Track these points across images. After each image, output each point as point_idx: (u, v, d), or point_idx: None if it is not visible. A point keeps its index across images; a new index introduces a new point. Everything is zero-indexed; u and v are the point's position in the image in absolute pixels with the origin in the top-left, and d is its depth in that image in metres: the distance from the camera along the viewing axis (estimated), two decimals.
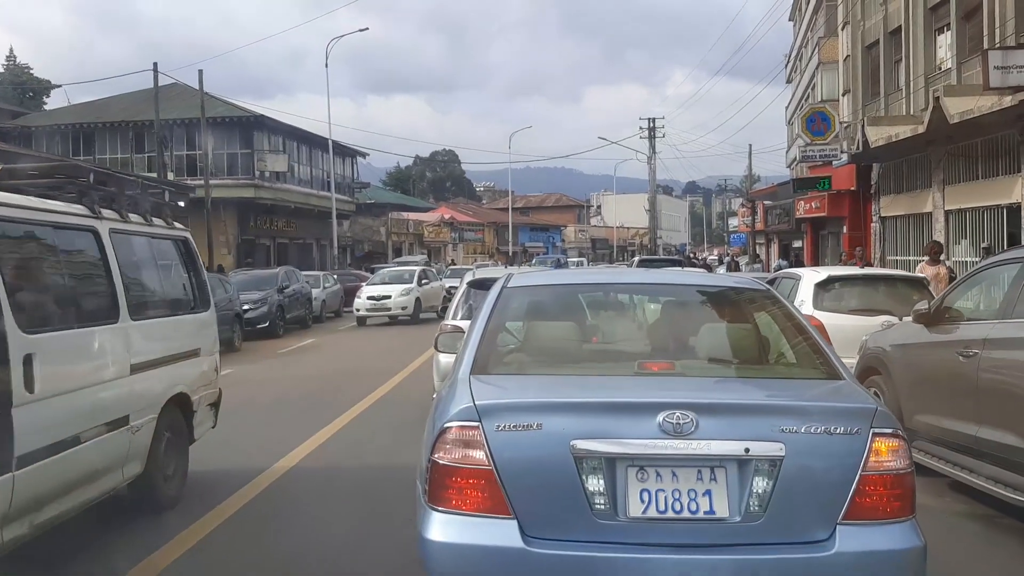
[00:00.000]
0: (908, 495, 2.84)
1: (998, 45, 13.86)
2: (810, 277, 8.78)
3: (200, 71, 26.81)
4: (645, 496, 2.75)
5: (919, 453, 5.41)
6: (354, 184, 42.64)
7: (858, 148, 19.50)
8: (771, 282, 7.84)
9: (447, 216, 60.85)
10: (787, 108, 41.34)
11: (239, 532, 5.12)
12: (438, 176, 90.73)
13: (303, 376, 12.73)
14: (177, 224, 6.21)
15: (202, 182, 26.80)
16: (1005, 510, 4.99)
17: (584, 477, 2.75)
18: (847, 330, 7.60)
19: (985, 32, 15.25)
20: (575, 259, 58.40)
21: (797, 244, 34.65)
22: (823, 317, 7.89)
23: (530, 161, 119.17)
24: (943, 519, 5.02)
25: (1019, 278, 4.99)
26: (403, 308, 22.23)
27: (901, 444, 2.85)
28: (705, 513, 2.74)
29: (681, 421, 2.74)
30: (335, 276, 27.47)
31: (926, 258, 11.46)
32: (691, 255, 55.33)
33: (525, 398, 2.98)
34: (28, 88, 44.30)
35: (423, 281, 23.82)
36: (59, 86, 57.38)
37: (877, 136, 17.98)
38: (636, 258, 40.76)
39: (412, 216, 54.86)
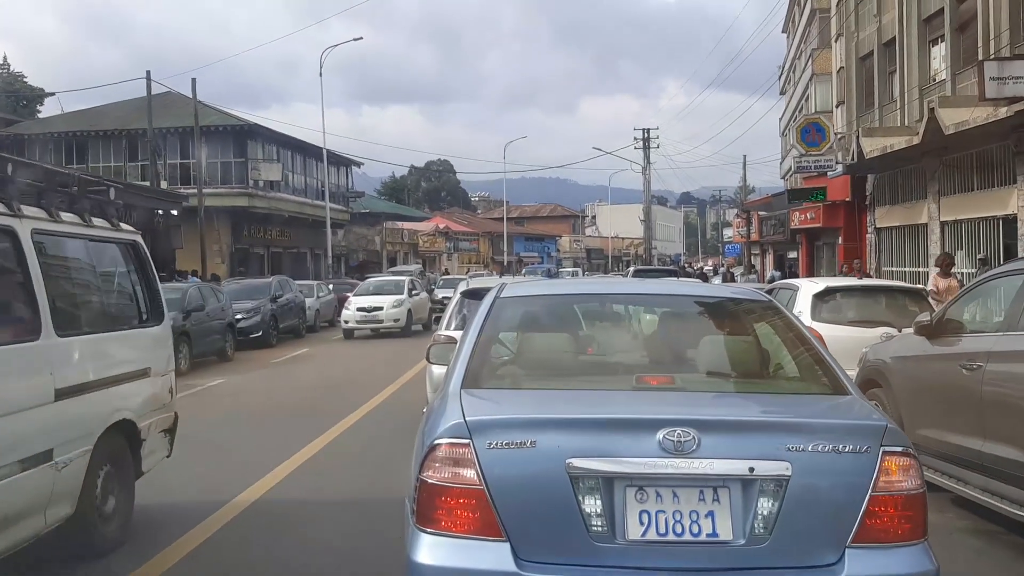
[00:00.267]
0: (920, 516, 2.72)
1: (993, 56, 13.87)
2: (808, 288, 8.70)
3: (193, 80, 26.63)
4: (645, 518, 2.62)
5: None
6: (349, 193, 42.53)
7: (853, 159, 19.52)
8: (768, 293, 7.75)
9: (442, 226, 60.83)
10: (781, 120, 41.48)
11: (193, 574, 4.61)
12: (433, 186, 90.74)
13: (294, 387, 12.60)
14: (125, 226, 5.48)
15: (195, 191, 26.66)
16: (1010, 527, 4.91)
17: (580, 497, 2.63)
18: (846, 342, 7.49)
19: (979, 43, 15.28)
20: (570, 269, 58.43)
21: (792, 255, 34.65)
22: (821, 329, 7.79)
23: (525, 171, 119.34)
24: (945, 535, 4.90)
25: (1023, 290, 4.90)
26: (395, 320, 21.24)
27: (912, 463, 2.73)
28: (708, 536, 2.61)
29: (682, 439, 2.62)
30: (330, 285, 27.27)
31: (937, 270, 11.32)
32: (685, 265, 55.38)
33: (518, 414, 2.85)
34: (21, 96, 44.15)
35: (412, 292, 22.89)
36: (52, 94, 57.39)
37: (872, 147, 17.98)
38: (631, 268, 40.72)
39: (407, 226, 54.79)
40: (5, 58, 48.06)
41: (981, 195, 15.86)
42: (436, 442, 2.72)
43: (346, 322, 21.46)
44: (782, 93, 42.27)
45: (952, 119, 14.14)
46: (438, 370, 6.10)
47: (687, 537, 2.61)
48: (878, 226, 21.52)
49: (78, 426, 4.41)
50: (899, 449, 2.72)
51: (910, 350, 6.00)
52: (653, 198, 61.15)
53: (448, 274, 44.21)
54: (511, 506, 2.64)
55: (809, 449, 2.65)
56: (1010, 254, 14.17)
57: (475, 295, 7.29)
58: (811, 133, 21.95)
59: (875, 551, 2.64)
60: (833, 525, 2.64)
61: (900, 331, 7.31)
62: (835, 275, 21.59)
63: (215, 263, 29.35)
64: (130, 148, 31.93)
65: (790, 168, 29.90)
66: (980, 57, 14.46)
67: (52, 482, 4.15)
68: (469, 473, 2.65)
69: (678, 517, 2.62)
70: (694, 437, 2.62)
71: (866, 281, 10.87)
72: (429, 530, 2.69)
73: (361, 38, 36.30)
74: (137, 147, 31.23)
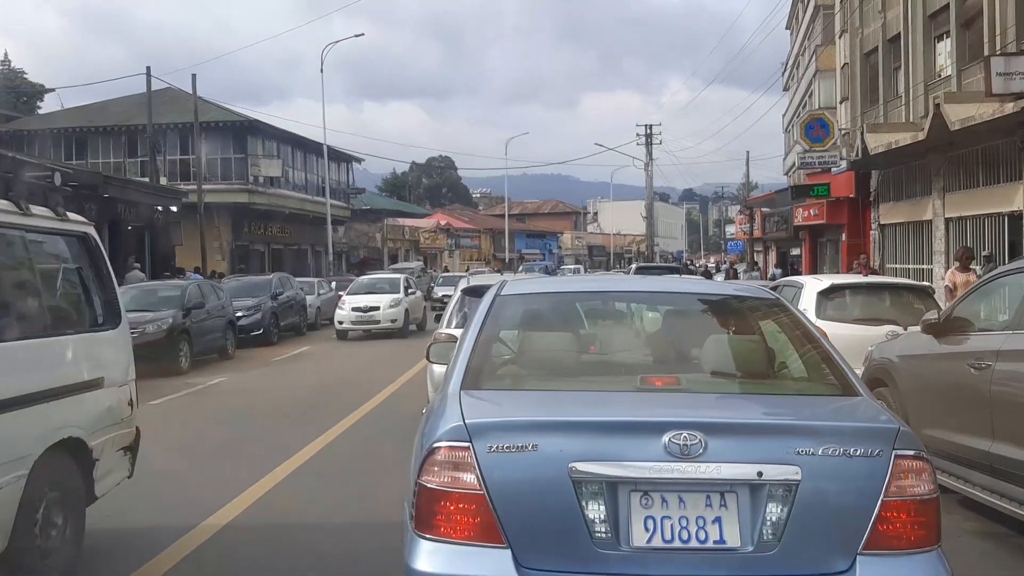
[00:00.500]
0: (933, 523, 2.65)
1: (1000, 52, 13.78)
2: (813, 285, 8.61)
3: (193, 75, 26.37)
4: (650, 524, 2.55)
5: None
6: (350, 190, 42.47)
7: (857, 155, 19.41)
8: (773, 290, 7.68)
9: (443, 222, 60.77)
10: (784, 116, 41.36)
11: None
12: (434, 182, 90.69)
13: (296, 385, 12.55)
14: (74, 216, 4.84)
15: (195, 187, 26.59)
16: (1019, 529, 4.83)
17: (583, 503, 2.55)
18: (851, 340, 7.41)
19: (985, 39, 15.18)
20: (571, 266, 58.37)
21: (795, 252, 34.56)
22: (826, 327, 7.69)
23: (527, 167, 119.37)
24: (952, 538, 4.79)
25: None
26: (392, 321, 20.21)
27: (925, 467, 2.65)
28: (715, 542, 2.54)
29: (689, 442, 2.54)
30: (332, 283, 27.10)
31: (955, 264, 11.15)
32: (688, 262, 55.32)
33: (519, 416, 2.78)
34: (22, 92, 44.09)
35: (409, 290, 21.75)
36: (52, 90, 57.27)
37: (877, 143, 17.88)
38: (633, 265, 40.66)
39: (408, 222, 54.72)
40: (6, 55, 47.82)
41: (986, 191, 15.76)
42: (435, 445, 2.65)
43: (340, 323, 20.29)
44: (785, 89, 42.16)
45: (958, 115, 14.05)
46: (439, 369, 6.02)
47: (693, 544, 2.54)
48: (882, 223, 21.42)
49: (8, 448, 3.75)
50: (912, 452, 2.65)
51: (917, 349, 5.93)
52: (655, 194, 61.09)
53: (448, 271, 43.86)
54: (512, 511, 2.56)
55: (819, 453, 2.57)
56: (1015, 251, 14.09)
57: (476, 292, 7.21)
58: (815, 129, 21.82)
59: (887, 559, 2.56)
60: (844, 531, 2.57)
61: (906, 329, 7.23)
62: (839, 272, 21.52)
63: (215, 260, 29.30)
64: (130, 144, 31.89)
65: (794, 164, 29.80)
66: (986, 52, 14.37)
67: None
68: (469, 477, 2.58)
69: (684, 523, 2.55)
70: (701, 440, 2.55)
71: (872, 279, 10.77)
72: (428, 536, 2.61)
73: (363, 34, 36.37)
74: (137, 143, 31.17)
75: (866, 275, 12.63)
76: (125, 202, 22.05)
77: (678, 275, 23.27)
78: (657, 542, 2.54)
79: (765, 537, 2.54)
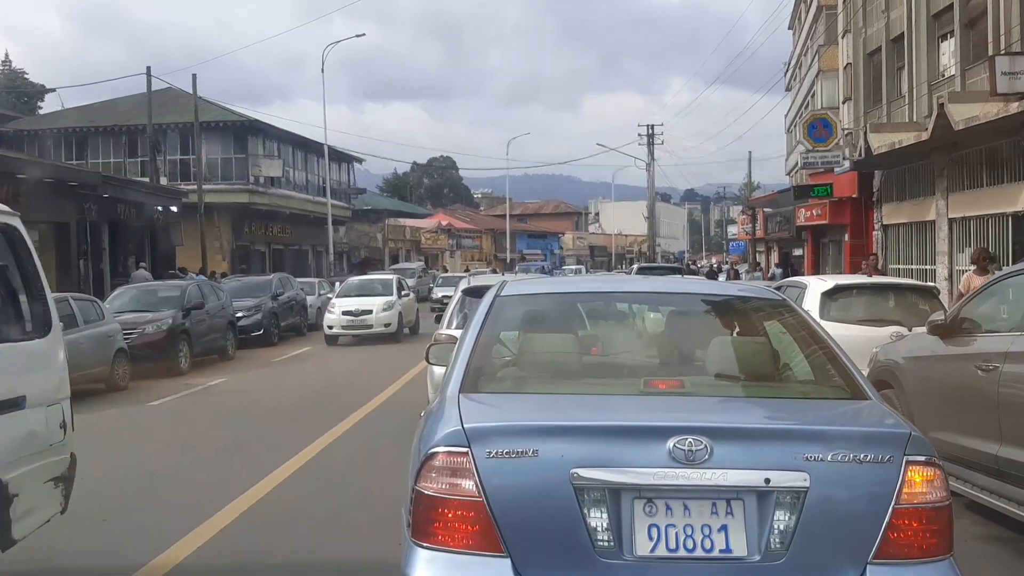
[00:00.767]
0: (946, 531, 2.58)
1: (1004, 51, 13.70)
2: (816, 286, 8.54)
3: (194, 75, 26.28)
4: (654, 532, 2.47)
5: None
6: (351, 190, 42.44)
7: (860, 155, 19.34)
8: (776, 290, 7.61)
9: (444, 223, 60.71)
10: (786, 116, 41.28)
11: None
12: (436, 182, 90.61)
13: (296, 386, 12.51)
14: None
15: (196, 187, 26.53)
16: None
17: (585, 510, 2.47)
18: (855, 341, 7.30)
19: (990, 38, 15.11)
20: (573, 266, 58.28)
21: (797, 252, 34.46)
22: (831, 328, 7.60)
23: (528, 168, 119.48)
24: (960, 543, 4.70)
25: None
26: (386, 325, 19.10)
27: (938, 473, 2.58)
28: (721, 551, 2.46)
29: (694, 448, 2.47)
30: (334, 283, 27.00)
31: (972, 267, 10.81)
32: (690, 263, 55.26)
33: (519, 420, 2.70)
34: (23, 93, 44.12)
35: (402, 292, 20.69)
36: (53, 90, 57.25)
37: (880, 143, 17.81)
38: (635, 265, 40.60)
39: (409, 223, 54.69)
40: (7, 55, 47.86)
41: (990, 192, 15.68)
42: (433, 450, 2.57)
43: (330, 327, 18.93)
44: (788, 90, 42.08)
45: (962, 115, 13.97)
46: (439, 371, 5.95)
47: (699, 553, 2.46)
48: (885, 223, 21.33)
49: None
50: (923, 458, 2.57)
51: (923, 350, 5.86)
52: (657, 195, 61.00)
53: (447, 271, 43.52)
54: (512, 519, 2.49)
55: (828, 459, 2.50)
56: (1019, 251, 14.00)
57: (476, 293, 7.14)
58: (818, 129, 21.73)
59: (898, 568, 2.49)
60: (854, 540, 2.49)
61: (911, 330, 7.15)
62: (842, 272, 21.42)
63: (216, 260, 29.24)
64: (130, 144, 31.88)
65: (796, 164, 29.72)
66: (991, 52, 14.30)
67: None
68: (467, 484, 2.50)
69: (689, 531, 2.47)
70: (706, 446, 2.47)
71: (876, 279, 10.66)
72: (425, 544, 2.54)
73: (364, 34, 36.33)
74: (137, 143, 31.17)
75: (871, 275, 12.48)
76: (125, 202, 22.02)
77: (680, 275, 23.16)
78: (661, 551, 2.46)
79: (773, 546, 2.47)
